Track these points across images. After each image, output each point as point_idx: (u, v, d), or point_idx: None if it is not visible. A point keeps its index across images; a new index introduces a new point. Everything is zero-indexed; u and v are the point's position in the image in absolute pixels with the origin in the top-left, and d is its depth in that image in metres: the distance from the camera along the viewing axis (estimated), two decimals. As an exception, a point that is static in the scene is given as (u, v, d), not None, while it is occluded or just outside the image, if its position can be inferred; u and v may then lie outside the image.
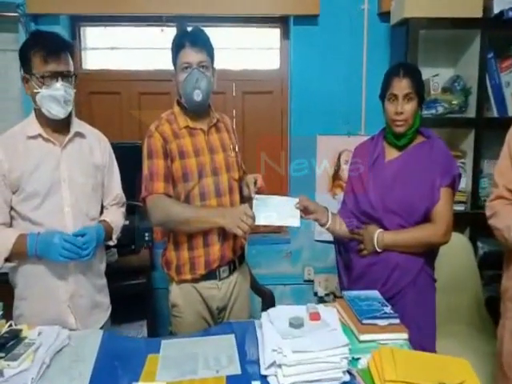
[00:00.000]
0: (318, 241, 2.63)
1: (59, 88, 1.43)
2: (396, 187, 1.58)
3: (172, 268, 1.62)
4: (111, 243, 1.66)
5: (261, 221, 1.53)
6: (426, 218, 1.56)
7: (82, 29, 2.65)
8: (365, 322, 1.30)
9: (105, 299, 1.66)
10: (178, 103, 1.64)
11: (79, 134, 1.57)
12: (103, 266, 1.66)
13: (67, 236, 1.41)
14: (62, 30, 2.49)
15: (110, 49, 2.68)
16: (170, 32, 2.60)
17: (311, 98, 2.57)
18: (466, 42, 2.34)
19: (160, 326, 2.48)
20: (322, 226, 1.68)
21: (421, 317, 1.58)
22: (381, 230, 1.58)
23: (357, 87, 2.57)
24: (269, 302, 2.14)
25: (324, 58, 2.55)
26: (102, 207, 1.69)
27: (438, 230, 1.54)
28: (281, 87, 2.68)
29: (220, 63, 2.68)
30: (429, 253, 1.61)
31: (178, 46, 1.56)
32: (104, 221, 1.61)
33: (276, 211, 1.57)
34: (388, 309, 1.37)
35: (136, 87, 2.63)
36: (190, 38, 1.55)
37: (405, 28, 2.29)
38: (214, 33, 2.65)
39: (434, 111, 2.33)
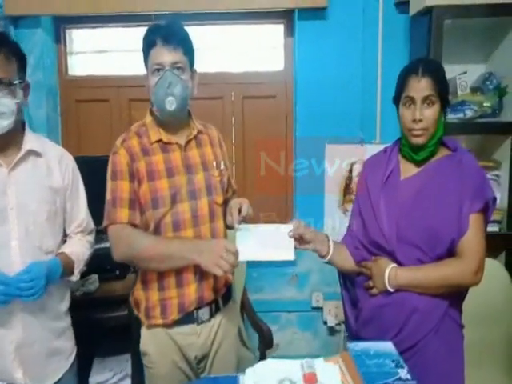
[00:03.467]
0: (327, 263, 2.32)
1: None
2: (414, 212, 1.28)
3: (141, 310, 1.36)
4: (74, 278, 1.41)
5: (246, 256, 1.26)
6: (450, 252, 1.25)
7: (67, 32, 2.44)
8: (373, 391, 1.02)
9: (67, 344, 1.41)
10: (151, 113, 1.39)
11: (33, 153, 1.33)
12: (65, 306, 1.42)
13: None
14: (44, 33, 2.31)
15: (97, 52, 2.46)
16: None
17: (319, 103, 2.28)
18: (501, 33, 2.02)
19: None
20: (322, 257, 1.39)
21: (446, 374, 1.27)
22: (394, 265, 1.27)
23: (371, 89, 2.26)
24: (265, 340, 1.86)
25: (333, 57, 2.25)
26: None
27: (466, 267, 1.22)
28: (285, 91, 2.39)
29: (217, 65, 2.46)
30: (455, 293, 1.29)
31: (148, 44, 1.31)
32: (62, 253, 1.37)
33: (265, 243, 1.29)
34: (404, 372, 1.08)
35: (125, 94, 2.40)
36: (162, 33, 1.29)
37: (427, 18, 1.98)
38: (210, 31, 2.44)
39: (461, 115, 2.00)
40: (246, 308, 2.14)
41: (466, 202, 1.24)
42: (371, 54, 2.24)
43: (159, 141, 1.34)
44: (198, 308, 1.34)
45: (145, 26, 2.37)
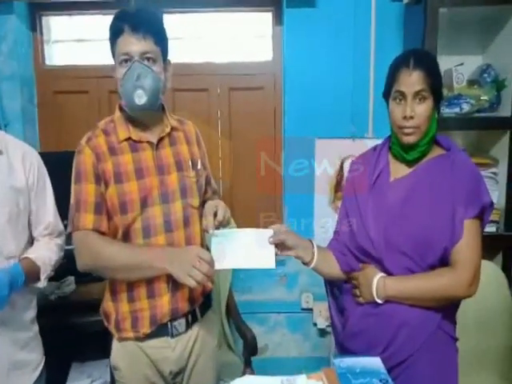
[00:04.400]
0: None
1: None
2: (403, 217, 1.18)
3: (111, 322, 1.27)
4: (40, 285, 1.31)
5: (222, 265, 1.17)
6: (443, 261, 1.16)
7: (43, 19, 2.31)
8: (356, 414, 0.94)
9: (32, 355, 1.32)
10: (121, 108, 1.28)
11: None
12: (30, 315, 1.33)
13: None
14: (17, 20, 2.18)
15: (76, 41, 2.33)
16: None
17: (309, 95, 2.17)
18: (500, 22, 1.90)
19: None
20: (306, 264, 1.29)
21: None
22: (382, 274, 1.18)
23: (363, 81, 2.15)
24: (250, 346, 1.78)
25: (324, 46, 2.14)
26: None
27: (459, 278, 1.12)
28: (273, 82, 2.28)
29: (202, 55, 2.34)
30: (449, 304, 1.20)
31: (114, 32, 1.20)
32: (26, 258, 1.27)
33: (243, 250, 1.19)
34: (392, 393, 1.00)
35: (106, 85, 2.26)
36: (131, 20, 1.17)
37: (421, 6, 1.86)
38: (194, 19, 2.31)
39: (457, 109, 1.89)
40: (231, 312, 2.06)
41: (459, 207, 1.14)
42: (363, 43, 2.13)
43: (128, 139, 1.23)
44: (173, 319, 1.25)
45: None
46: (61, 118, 2.34)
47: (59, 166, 1.40)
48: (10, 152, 1.28)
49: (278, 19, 2.24)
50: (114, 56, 1.23)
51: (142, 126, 1.25)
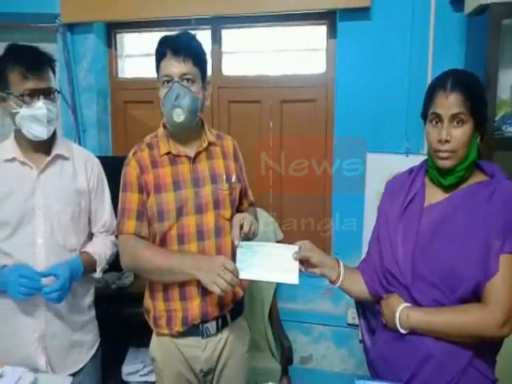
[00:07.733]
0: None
1: (41, 107, 1.31)
2: (432, 246, 1.14)
3: (150, 317, 1.40)
4: (96, 275, 1.48)
5: (245, 275, 1.23)
6: (475, 295, 1.09)
7: (118, 36, 2.54)
8: None
9: (88, 336, 1.50)
10: (164, 125, 1.40)
11: (61, 157, 1.43)
12: (88, 300, 1.51)
13: (24, 271, 1.27)
14: (96, 38, 2.43)
15: (144, 55, 2.54)
16: (203, 35, 2.37)
17: (362, 108, 2.14)
18: None
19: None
20: (332, 283, 1.30)
21: None
22: (406, 304, 1.14)
23: (420, 95, 2.03)
24: (285, 357, 1.80)
25: (378, 59, 2.10)
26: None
27: (490, 317, 1.05)
28: (326, 94, 2.28)
29: (255, 68, 2.41)
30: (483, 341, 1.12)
31: (158, 56, 1.32)
32: (85, 252, 1.44)
33: (267, 263, 1.24)
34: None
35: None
36: (172, 44, 1.29)
37: (484, 17, 1.76)
38: (250, 34, 2.40)
39: (521, 128, 1.75)
40: (272, 319, 2.10)
41: (496, 239, 1.07)
42: (420, 55, 2.04)
43: (168, 153, 1.34)
44: (204, 322, 1.34)
45: (186, 29, 2.43)
46: (130, 125, 2.57)
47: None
48: (75, 159, 1.48)
49: (333, 32, 2.24)
50: (158, 78, 1.34)
51: (181, 141, 1.36)
